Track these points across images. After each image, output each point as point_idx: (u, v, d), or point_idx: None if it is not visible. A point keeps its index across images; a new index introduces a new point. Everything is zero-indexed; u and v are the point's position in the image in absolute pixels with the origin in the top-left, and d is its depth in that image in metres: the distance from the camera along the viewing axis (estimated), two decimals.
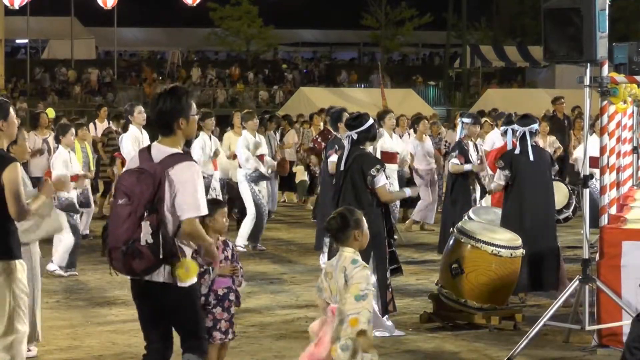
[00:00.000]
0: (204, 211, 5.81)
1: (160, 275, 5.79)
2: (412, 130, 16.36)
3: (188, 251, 5.88)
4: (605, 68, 8.38)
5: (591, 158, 13.05)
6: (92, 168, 13.95)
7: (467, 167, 12.24)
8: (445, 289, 9.13)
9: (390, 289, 8.82)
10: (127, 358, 8.19)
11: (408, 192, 9.29)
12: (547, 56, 8.49)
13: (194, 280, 5.91)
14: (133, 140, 12.95)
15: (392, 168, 13.56)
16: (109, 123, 18.48)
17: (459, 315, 9.16)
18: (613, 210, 8.91)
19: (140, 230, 5.65)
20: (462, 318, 9.17)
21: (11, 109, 6.39)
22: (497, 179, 10.14)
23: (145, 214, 5.67)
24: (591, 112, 8.49)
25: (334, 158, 11.67)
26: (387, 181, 8.77)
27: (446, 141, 18.00)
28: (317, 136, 16.57)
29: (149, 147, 5.95)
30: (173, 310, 5.93)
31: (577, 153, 15.27)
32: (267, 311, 9.93)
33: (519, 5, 54.85)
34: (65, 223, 11.38)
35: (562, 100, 18.44)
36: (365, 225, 6.16)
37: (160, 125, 5.91)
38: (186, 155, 5.96)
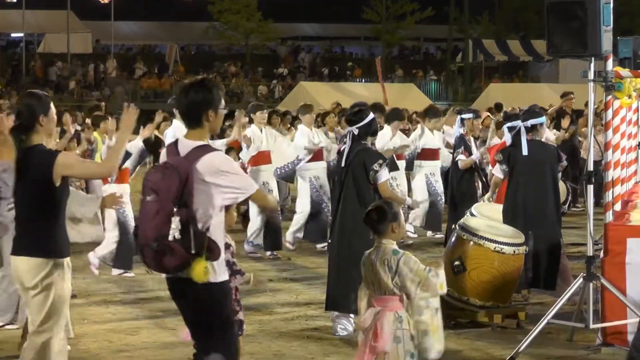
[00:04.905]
0: (255, 186, 5.83)
1: None
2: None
3: (222, 245, 5.69)
4: (610, 62, 8.28)
5: None
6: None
7: (474, 156, 12.41)
8: (447, 287, 9.00)
9: None
10: (124, 357, 8.11)
11: (408, 201, 9.32)
12: (551, 50, 8.40)
13: (225, 277, 5.74)
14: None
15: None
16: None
17: (461, 314, 9.06)
18: (618, 207, 8.79)
19: (169, 226, 5.53)
20: (465, 316, 9.07)
21: (52, 105, 6.33)
22: (496, 172, 10.25)
23: (175, 210, 5.54)
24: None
25: None
26: (389, 177, 8.66)
27: None
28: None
29: (176, 142, 5.79)
30: (205, 306, 5.70)
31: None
32: (267, 309, 9.84)
33: None
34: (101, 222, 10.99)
35: (572, 95, 18.27)
36: (402, 217, 6.39)
37: (189, 116, 5.76)
38: (211, 147, 5.78)
